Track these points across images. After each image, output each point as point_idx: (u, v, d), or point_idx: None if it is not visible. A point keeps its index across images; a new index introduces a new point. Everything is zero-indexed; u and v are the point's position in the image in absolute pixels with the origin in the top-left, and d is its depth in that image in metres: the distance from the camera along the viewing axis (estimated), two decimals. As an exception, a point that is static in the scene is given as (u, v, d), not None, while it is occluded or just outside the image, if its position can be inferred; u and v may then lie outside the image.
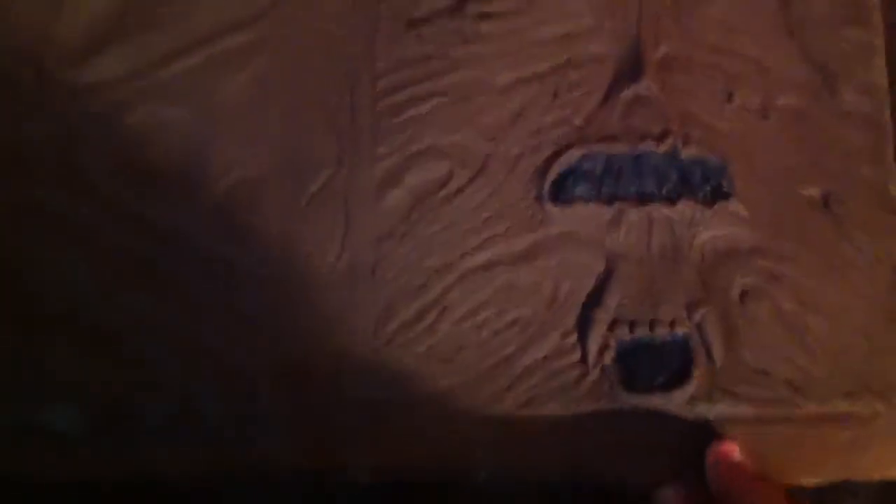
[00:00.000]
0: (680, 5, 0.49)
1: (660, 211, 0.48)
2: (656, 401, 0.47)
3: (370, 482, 0.46)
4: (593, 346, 0.47)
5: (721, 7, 0.50)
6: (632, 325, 0.47)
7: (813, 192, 0.49)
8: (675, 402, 0.47)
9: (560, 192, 0.48)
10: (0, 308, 0.47)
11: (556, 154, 0.48)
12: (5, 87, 0.48)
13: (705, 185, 0.48)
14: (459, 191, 0.48)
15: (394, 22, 0.49)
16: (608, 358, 0.47)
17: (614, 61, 0.49)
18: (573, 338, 0.47)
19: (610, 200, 0.48)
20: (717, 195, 0.48)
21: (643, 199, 0.48)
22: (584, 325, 0.47)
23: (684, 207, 0.48)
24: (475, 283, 0.47)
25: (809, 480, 0.47)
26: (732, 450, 0.46)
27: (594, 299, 0.47)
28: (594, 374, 0.47)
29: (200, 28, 0.48)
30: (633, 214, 0.48)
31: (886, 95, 0.49)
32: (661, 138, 0.48)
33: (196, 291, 0.47)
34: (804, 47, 0.50)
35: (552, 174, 0.48)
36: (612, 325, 0.47)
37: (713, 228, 0.48)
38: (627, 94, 0.48)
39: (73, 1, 0.48)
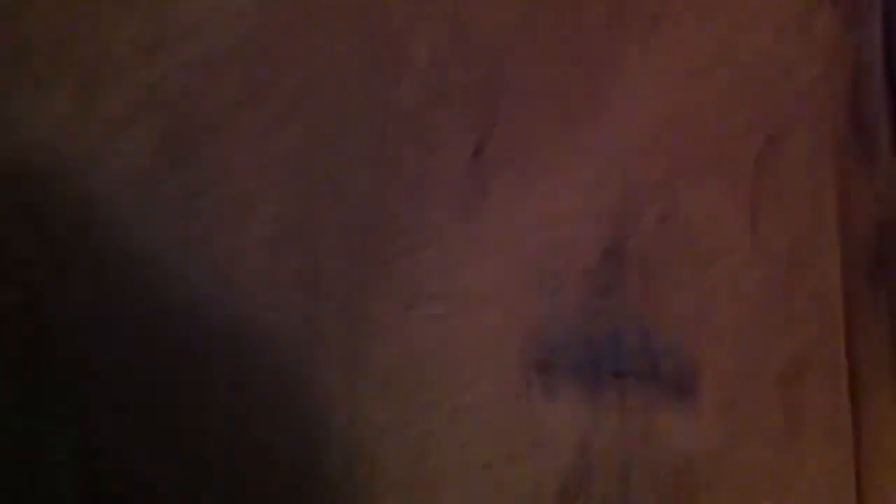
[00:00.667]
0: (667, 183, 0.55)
1: (634, 393, 0.53)
2: None
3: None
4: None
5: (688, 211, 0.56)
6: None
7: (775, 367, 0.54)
8: None
9: (544, 371, 0.52)
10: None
11: (541, 335, 0.52)
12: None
13: (674, 371, 0.53)
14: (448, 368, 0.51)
15: (403, 179, 0.53)
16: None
17: (595, 245, 0.54)
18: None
19: (588, 378, 0.53)
20: (685, 382, 0.53)
21: (619, 377, 0.53)
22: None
23: (654, 391, 0.52)
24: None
25: None
26: None
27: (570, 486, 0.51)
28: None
29: (229, 168, 0.51)
30: (610, 394, 0.52)
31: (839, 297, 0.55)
32: (635, 326, 0.53)
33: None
34: (766, 246, 0.56)
35: (536, 354, 0.52)
36: None
37: (681, 421, 0.52)
38: (606, 273, 0.53)
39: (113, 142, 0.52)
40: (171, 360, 0.49)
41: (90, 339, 0.48)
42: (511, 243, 0.53)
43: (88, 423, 0.48)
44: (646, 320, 0.53)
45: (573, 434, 0.51)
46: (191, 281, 0.50)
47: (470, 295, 0.52)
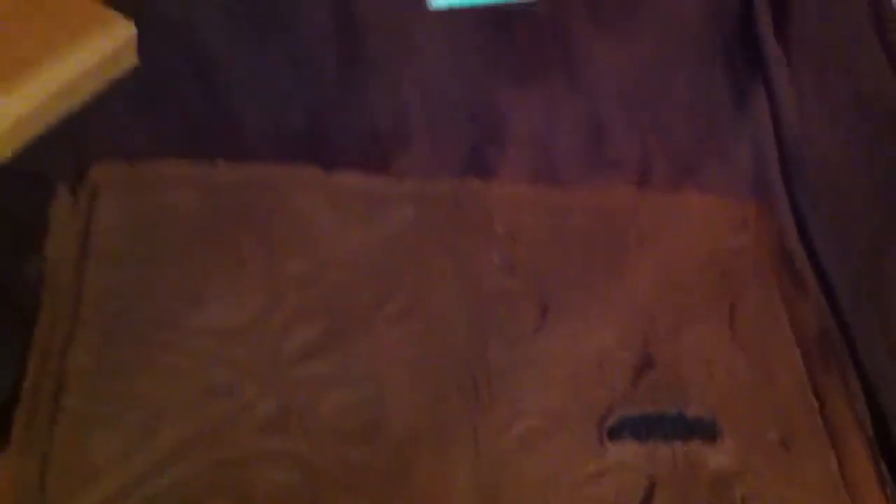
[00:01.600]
0: (672, 330, 0.82)
1: (679, 446, 0.75)
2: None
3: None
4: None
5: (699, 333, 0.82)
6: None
7: (773, 435, 0.77)
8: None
9: (613, 436, 0.75)
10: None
11: (608, 413, 0.76)
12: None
13: (705, 431, 0.77)
14: (548, 437, 0.74)
15: (496, 341, 0.79)
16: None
17: (634, 362, 0.80)
18: (635, 529, 0.72)
19: (646, 440, 0.76)
20: (713, 438, 0.76)
21: (667, 439, 0.76)
22: (640, 521, 0.72)
23: (694, 445, 0.76)
24: (567, 496, 0.73)
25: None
26: None
27: (647, 502, 0.73)
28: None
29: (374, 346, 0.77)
30: (662, 448, 0.75)
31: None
32: (673, 404, 0.78)
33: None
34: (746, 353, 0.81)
35: (608, 425, 0.76)
36: (659, 519, 0.73)
37: (713, 457, 0.75)
38: (646, 379, 0.79)
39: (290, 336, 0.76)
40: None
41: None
42: (580, 364, 0.79)
43: None
44: (679, 401, 0.77)
45: (639, 464, 0.73)
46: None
47: (558, 400, 0.76)
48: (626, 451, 0.75)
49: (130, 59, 0.87)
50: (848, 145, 0.89)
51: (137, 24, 0.81)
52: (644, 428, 0.76)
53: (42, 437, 0.68)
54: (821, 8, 0.95)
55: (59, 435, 0.68)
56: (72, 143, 0.83)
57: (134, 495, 0.67)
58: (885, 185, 0.86)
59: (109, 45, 0.86)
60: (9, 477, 0.66)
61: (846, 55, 0.90)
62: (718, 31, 0.99)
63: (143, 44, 0.83)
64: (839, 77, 0.92)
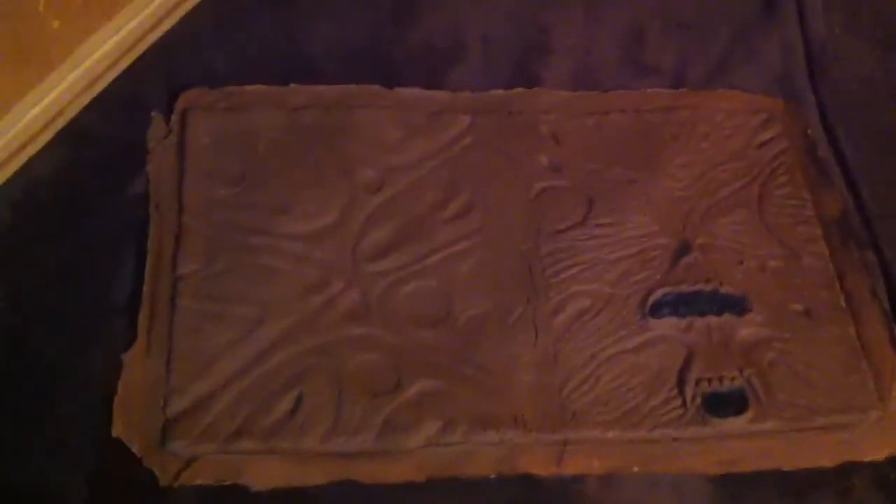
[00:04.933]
0: (707, 217, 0.91)
1: (713, 319, 0.85)
2: (730, 423, 0.81)
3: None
4: (688, 395, 0.82)
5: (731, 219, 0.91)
6: (708, 381, 0.83)
7: (798, 307, 0.87)
8: (739, 423, 0.81)
9: (654, 312, 0.86)
10: None
11: (650, 293, 0.87)
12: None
13: (736, 306, 0.86)
14: (596, 315, 0.85)
15: (548, 233, 0.89)
16: (697, 401, 0.82)
17: (673, 247, 0.89)
18: (675, 391, 0.83)
19: (684, 315, 0.86)
20: (744, 311, 0.86)
21: (703, 314, 0.86)
22: (681, 384, 0.83)
23: (727, 318, 0.86)
24: (614, 366, 0.84)
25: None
26: None
27: (685, 368, 0.83)
28: (690, 410, 0.82)
29: (442, 239, 0.88)
30: (699, 322, 0.85)
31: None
32: (707, 283, 0.87)
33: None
34: (775, 236, 0.90)
35: (649, 302, 0.86)
36: (697, 382, 0.83)
37: (744, 328, 0.85)
38: (683, 262, 0.88)
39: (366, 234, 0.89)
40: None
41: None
42: (623, 250, 0.88)
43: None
44: (714, 282, 0.86)
45: (678, 336, 0.84)
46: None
47: (604, 283, 0.86)
48: (666, 325, 0.85)
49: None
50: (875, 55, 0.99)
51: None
52: (681, 304, 0.86)
53: (163, 334, 0.80)
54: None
55: (177, 332, 0.80)
56: (161, 72, 0.93)
57: (243, 379, 0.79)
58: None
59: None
60: (138, 369, 0.79)
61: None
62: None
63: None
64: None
